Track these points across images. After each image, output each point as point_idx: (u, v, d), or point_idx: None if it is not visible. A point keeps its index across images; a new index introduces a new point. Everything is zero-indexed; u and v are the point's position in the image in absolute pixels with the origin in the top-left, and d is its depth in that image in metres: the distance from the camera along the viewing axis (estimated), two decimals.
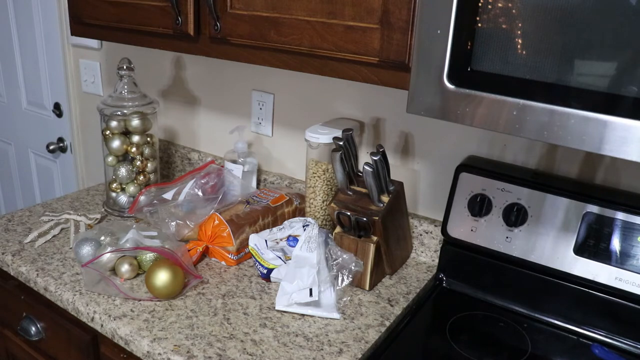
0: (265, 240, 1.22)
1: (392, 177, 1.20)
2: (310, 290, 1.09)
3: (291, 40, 1.04)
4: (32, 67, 2.16)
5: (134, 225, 1.28)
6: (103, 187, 1.60)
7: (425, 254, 1.35)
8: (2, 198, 2.67)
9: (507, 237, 1.14)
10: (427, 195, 1.34)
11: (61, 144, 2.18)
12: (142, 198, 1.43)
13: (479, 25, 0.77)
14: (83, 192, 1.66)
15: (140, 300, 1.12)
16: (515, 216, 1.12)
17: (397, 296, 1.19)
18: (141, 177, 1.52)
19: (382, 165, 1.13)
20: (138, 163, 1.50)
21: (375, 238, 1.16)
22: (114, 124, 1.46)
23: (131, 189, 1.51)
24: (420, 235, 1.34)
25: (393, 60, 0.94)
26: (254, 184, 1.56)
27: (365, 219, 1.13)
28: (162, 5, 1.20)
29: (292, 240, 1.22)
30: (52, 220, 1.41)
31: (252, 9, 1.08)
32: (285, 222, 1.27)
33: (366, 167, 1.10)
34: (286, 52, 1.07)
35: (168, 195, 1.42)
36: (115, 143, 1.47)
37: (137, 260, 1.20)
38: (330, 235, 1.21)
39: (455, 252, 1.23)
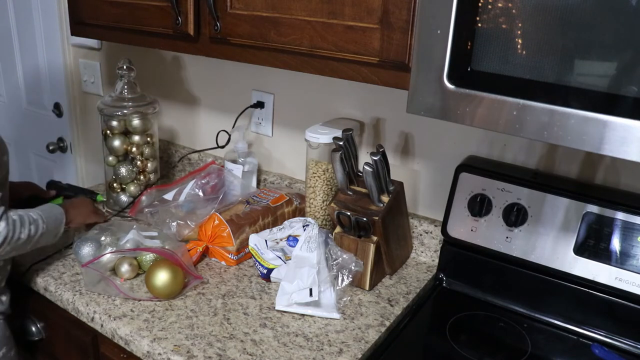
0: (265, 240, 1.22)
1: (392, 177, 1.20)
2: (310, 290, 1.09)
3: (291, 40, 1.04)
4: (32, 67, 2.16)
5: (135, 226, 1.28)
6: (103, 187, 1.60)
7: (425, 254, 1.35)
8: None
9: (507, 237, 1.14)
10: (427, 195, 1.34)
11: (61, 144, 2.18)
12: (143, 199, 1.43)
13: (479, 25, 0.77)
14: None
15: (140, 300, 1.12)
16: (515, 216, 1.12)
17: (397, 296, 1.19)
18: (141, 177, 1.52)
19: (382, 165, 1.13)
20: (138, 163, 1.50)
21: (375, 238, 1.16)
22: (114, 123, 1.46)
23: (131, 188, 1.51)
24: (420, 235, 1.34)
25: (393, 60, 0.94)
26: (254, 184, 1.56)
27: (365, 219, 1.13)
28: (162, 5, 1.20)
29: (292, 240, 1.22)
30: None
31: (252, 9, 1.08)
32: (285, 222, 1.27)
33: (366, 167, 1.10)
34: (286, 52, 1.07)
35: (169, 196, 1.42)
36: (116, 143, 1.47)
37: (137, 260, 1.20)
38: (330, 235, 1.22)
39: (455, 252, 1.23)
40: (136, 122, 1.46)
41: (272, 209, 1.36)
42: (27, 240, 1.10)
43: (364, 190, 1.18)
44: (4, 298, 1.18)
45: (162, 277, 1.11)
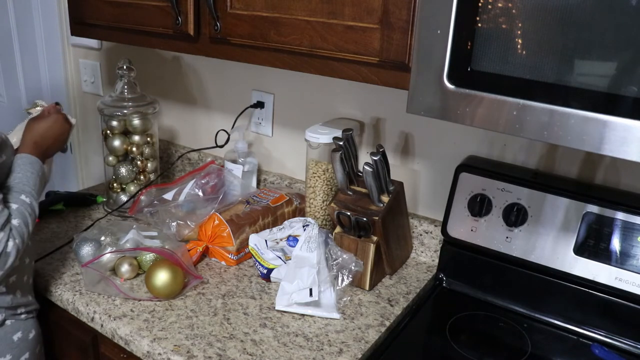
0: (265, 240, 1.22)
1: (392, 177, 1.20)
2: (310, 290, 1.09)
3: (291, 40, 1.04)
4: (32, 67, 2.16)
5: (134, 225, 1.28)
6: (103, 187, 1.60)
7: (425, 254, 1.35)
8: None
9: (507, 237, 1.14)
10: (427, 195, 1.34)
11: None
12: (142, 198, 1.43)
13: (479, 25, 0.77)
14: (83, 192, 1.65)
15: (140, 300, 1.12)
16: (515, 216, 1.12)
17: (397, 296, 1.19)
18: (141, 177, 1.52)
19: (382, 165, 1.13)
20: (138, 163, 1.50)
21: (375, 238, 1.16)
22: (114, 123, 1.46)
23: (131, 188, 1.51)
24: (420, 235, 1.34)
25: (393, 60, 0.94)
26: (254, 184, 1.56)
27: (365, 219, 1.13)
28: (162, 5, 1.20)
29: (292, 240, 1.22)
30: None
31: (252, 9, 1.08)
32: (285, 222, 1.27)
33: (366, 167, 1.10)
34: (286, 52, 1.07)
35: (168, 196, 1.42)
36: (116, 143, 1.47)
37: (137, 260, 1.20)
38: (330, 235, 1.21)
39: (455, 252, 1.23)
40: (136, 122, 1.46)
41: (272, 209, 1.36)
42: (31, 232, 1.01)
43: (364, 190, 1.18)
44: (34, 294, 1.18)
45: (162, 277, 1.11)
